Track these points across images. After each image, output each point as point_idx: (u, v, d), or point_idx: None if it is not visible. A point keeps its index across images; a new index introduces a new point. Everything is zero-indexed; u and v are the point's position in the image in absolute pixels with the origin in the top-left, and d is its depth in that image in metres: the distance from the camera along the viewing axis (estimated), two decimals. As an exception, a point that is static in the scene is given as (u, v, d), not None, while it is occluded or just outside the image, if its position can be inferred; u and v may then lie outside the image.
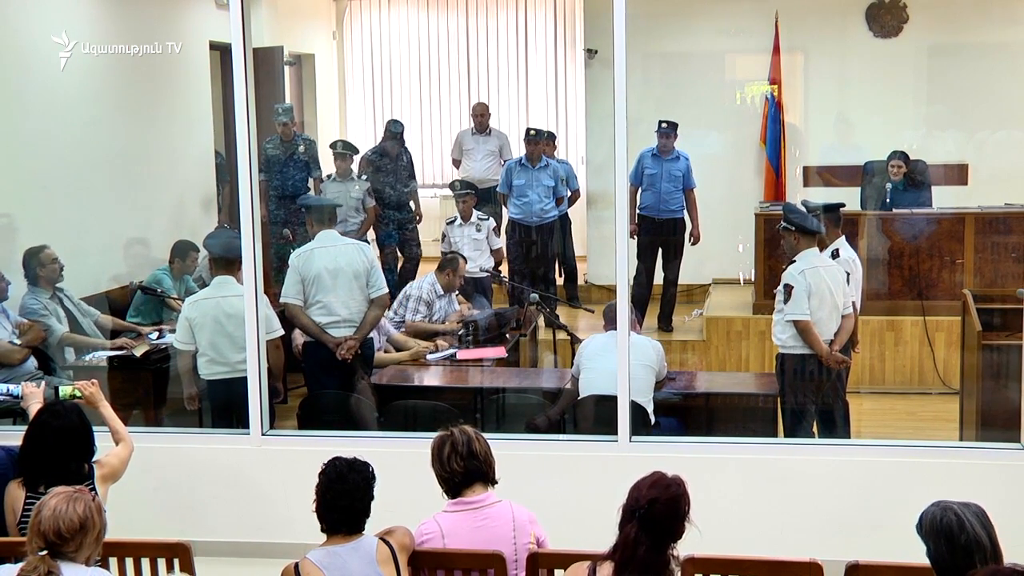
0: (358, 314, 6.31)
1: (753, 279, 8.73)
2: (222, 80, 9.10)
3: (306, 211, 6.75)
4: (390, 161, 9.23)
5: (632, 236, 8.20)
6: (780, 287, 6.20)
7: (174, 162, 8.67)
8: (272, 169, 8.92)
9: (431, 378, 6.85)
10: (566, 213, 9.42)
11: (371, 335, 6.53)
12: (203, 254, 7.41)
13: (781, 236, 6.42)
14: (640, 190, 8.69)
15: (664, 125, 8.63)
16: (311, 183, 9.07)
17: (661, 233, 8.76)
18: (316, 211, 6.59)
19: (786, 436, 6.08)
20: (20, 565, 3.27)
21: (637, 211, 8.66)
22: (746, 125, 9.96)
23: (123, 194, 7.92)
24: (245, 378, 5.71)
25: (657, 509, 3.17)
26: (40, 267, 6.64)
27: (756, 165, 9.98)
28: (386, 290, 6.47)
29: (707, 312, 8.74)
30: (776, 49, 9.75)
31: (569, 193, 9.36)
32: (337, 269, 6.28)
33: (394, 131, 9.27)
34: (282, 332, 6.13)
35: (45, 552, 3.16)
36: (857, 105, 9.79)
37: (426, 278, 7.63)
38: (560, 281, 9.53)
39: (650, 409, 5.96)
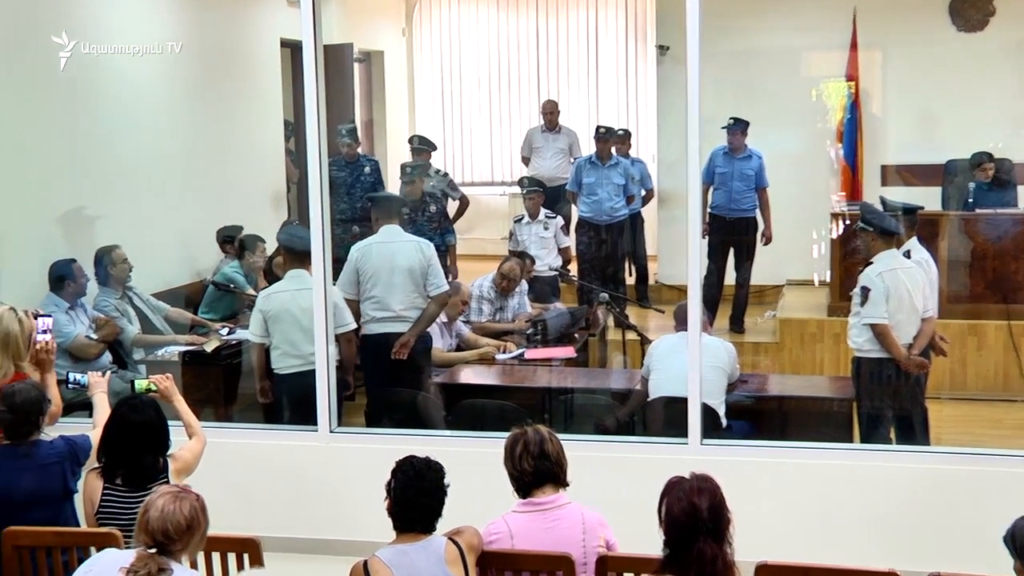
0: (412, 311, 6.35)
1: (828, 280, 8.60)
2: (292, 77, 9.22)
3: (371, 205, 6.80)
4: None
5: (703, 236, 8.17)
6: (857, 289, 6.12)
7: (245, 158, 8.79)
8: (337, 193, 8.68)
9: (499, 378, 6.86)
10: (639, 212, 9.38)
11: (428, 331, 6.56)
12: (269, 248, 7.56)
13: (858, 236, 6.33)
14: (711, 189, 8.62)
15: (732, 122, 8.54)
16: None
17: (732, 233, 8.67)
18: (381, 205, 6.62)
19: (862, 442, 5.99)
20: (125, 553, 3.38)
21: (708, 210, 8.58)
22: (822, 123, 9.83)
23: (196, 189, 8.05)
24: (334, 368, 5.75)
25: (712, 515, 3.15)
26: (111, 266, 6.78)
27: (832, 164, 9.85)
28: (446, 287, 6.48)
29: (780, 314, 8.66)
30: (854, 45, 9.60)
31: (644, 192, 9.30)
32: (394, 265, 6.32)
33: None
34: (354, 325, 6.18)
35: (155, 550, 3.24)
36: (939, 102, 9.59)
37: (486, 276, 7.67)
38: (630, 281, 9.49)
39: (721, 412, 5.91)
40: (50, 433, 4.33)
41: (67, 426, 4.74)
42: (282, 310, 6.07)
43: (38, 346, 4.72)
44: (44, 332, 4.75)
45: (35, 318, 4.73)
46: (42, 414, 4.25)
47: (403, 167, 8.42)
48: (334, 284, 6.09)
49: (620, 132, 9.56)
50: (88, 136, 7.02)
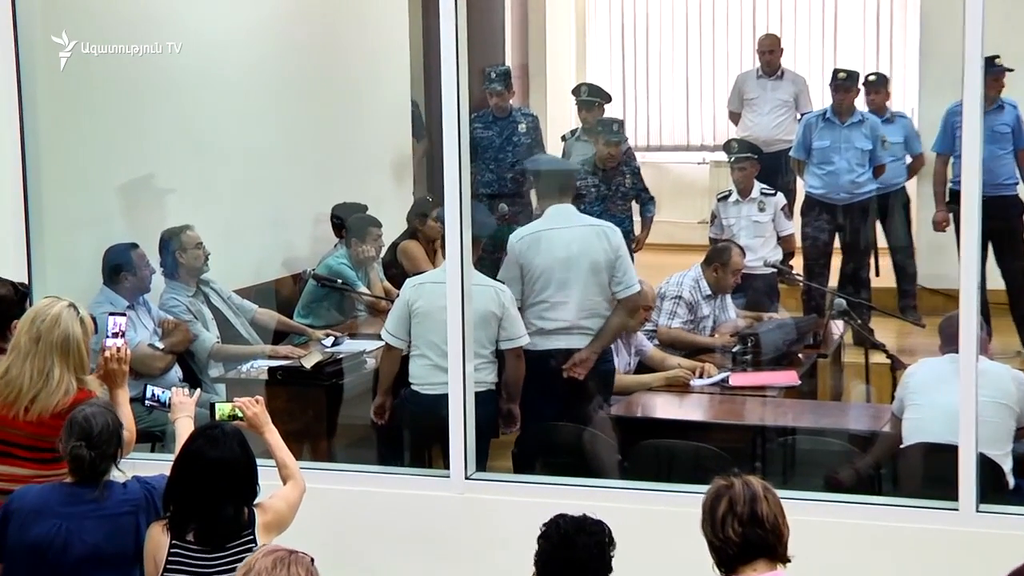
0: (594, 319, 6.39)
1: None
2: (423, 9, 9.33)
3: (533, 178, 6.83)
4: None
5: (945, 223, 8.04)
6: None
7: (361, 116, 8.93)
8: (484, 156, 8.84)
9: (694, 411, 6.88)
10: (902, 187, 9.25)
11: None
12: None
13: None
14: (951, 157, 8.34)
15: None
16: None
17: (989, 216, 8.31)
18: (547, 178, 6.66)
19: None
20: None
21: (948, 186, 8.38)
22: None
23: (293, 156, 8.23)
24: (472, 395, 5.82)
25: None
26: (180, 252, 6.95)
27: None
28: (638, 288, 6.53)
29: (1094, 332, 8.38)
30: None
31: (910, 159, 9.18)
32: (570, 259, 6.37)
33: None
34: (527, 339, 6.26)
35: None
36: None
37: (689, 273, 7.64)
38: (877, 282, 9.29)
39: (1007, 466, 5.80)
40: (122, 469, 4.39)
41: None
42: (436, 307, 6.10)
43: (107, 353, 4.86)
44: (115, 335, 4.91)
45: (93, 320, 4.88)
46: (120, 447, 4.33)
47: (602, 121, 8.58)
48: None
49: (872, 77, 9.40)
50: (157, 91, 7.17)
